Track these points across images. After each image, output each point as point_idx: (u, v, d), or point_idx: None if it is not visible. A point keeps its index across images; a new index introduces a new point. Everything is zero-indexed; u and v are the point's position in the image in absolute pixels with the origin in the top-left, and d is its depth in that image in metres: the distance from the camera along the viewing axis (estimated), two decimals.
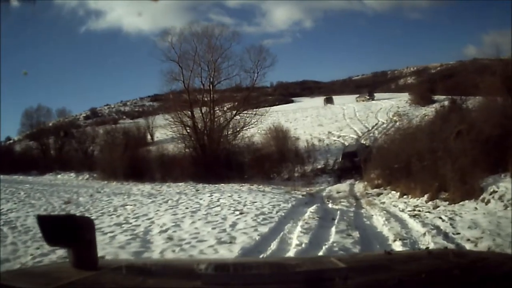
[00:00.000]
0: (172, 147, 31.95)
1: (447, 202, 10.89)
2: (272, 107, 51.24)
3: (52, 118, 50.12)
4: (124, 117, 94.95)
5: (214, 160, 26.80)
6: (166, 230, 8.92)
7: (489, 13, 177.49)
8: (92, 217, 7.02)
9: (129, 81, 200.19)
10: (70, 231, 1.72)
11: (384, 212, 11.08)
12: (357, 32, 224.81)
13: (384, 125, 40.86)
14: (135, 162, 28.77)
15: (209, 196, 14.42)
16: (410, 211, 10.85)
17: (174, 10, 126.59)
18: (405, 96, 55.08)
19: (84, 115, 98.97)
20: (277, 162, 29.85)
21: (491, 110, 12.19)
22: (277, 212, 10.56)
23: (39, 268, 2.78)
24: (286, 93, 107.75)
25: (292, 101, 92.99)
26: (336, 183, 23.56)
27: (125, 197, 16.17)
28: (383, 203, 13.89)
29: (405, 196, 13.78)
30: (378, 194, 16.18)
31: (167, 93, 31.93)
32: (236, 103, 31.05)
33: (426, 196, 12.17)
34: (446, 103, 30.86)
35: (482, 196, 10.11)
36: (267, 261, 3.87)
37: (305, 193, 17.01)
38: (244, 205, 11.87)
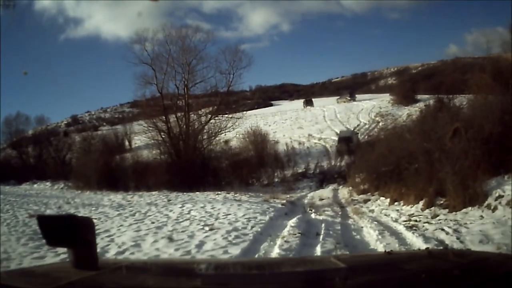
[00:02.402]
0: (146, 153, 31.05)
1: (447, 210, 9.59)
2: (250, 111, 50.44)
3: (31, 126, 49.07)
4: (104, 123, 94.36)
5: (190, 166, 25.69)
6: (123, 252, 7.77)
7: (471, 12, 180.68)
8: None
9: (110, 87, 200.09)
10: (70, 231, 1.69)
11: (375, 223, 9.73)
12: (336, 34, 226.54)
13: (367, 126, 40.91)
14: (109, 170, 27.82)
15: (180, 208, 13.29)
16: (406, 221, 9.56)
17: (151, 15, 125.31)
18: (386, 97, 55.36)
19: (66, 122, 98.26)
20: (256, 167, 28.95)
21: (489, 107, 10.96)
22: (252, 227, 9.19)
23: (39, 268, 2.59)
24: (265, 96, 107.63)
25: (271, 105, 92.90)
26: (318, 188, 22.81)
27: (92, 209, 15.12)
28: (372, 211, 12.77)
29: (396, 203, 12.61)
30: (365, 201, 15.14)
31: (142, 98, 30.57)
32: (214, 107, 29.92)
33: (421, 203, 10.91)
34: (431, 102, 30.25)
35: (487, 202, 8.83)
36: (267, 261, 3.94)
37: (285, 201, 15.72)
38: (216, 219, 10.57)
